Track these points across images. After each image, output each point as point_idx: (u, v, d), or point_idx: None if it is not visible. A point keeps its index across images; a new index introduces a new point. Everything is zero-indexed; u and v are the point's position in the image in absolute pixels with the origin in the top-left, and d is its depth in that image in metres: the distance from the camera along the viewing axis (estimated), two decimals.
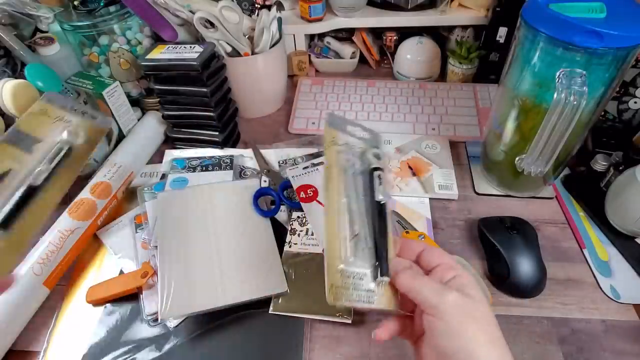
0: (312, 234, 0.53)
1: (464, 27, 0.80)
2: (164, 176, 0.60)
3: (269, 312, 0.46)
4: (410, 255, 0.35)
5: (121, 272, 0.52)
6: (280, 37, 0.71)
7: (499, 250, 0.49)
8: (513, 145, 0.53)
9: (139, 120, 0.69)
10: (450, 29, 0.82)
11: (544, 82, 0.45)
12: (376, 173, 0.38)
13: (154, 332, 0.46)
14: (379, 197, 0.37)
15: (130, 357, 0.44)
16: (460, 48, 0.77)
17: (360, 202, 0.37)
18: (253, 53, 0.68)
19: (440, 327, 0.29)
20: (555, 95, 0.42)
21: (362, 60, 0.87)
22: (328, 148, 0.39)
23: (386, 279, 0.34)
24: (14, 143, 0.47)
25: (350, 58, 0.84)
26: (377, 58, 0.88)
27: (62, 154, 0.48)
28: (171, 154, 0.64)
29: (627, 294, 0.48)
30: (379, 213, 0.36)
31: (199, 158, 0.62)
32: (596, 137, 0.63)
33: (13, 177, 0.46)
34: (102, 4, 0.64)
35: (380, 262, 0.34)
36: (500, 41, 0.75)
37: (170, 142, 0.69)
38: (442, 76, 0.84)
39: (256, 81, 0.71)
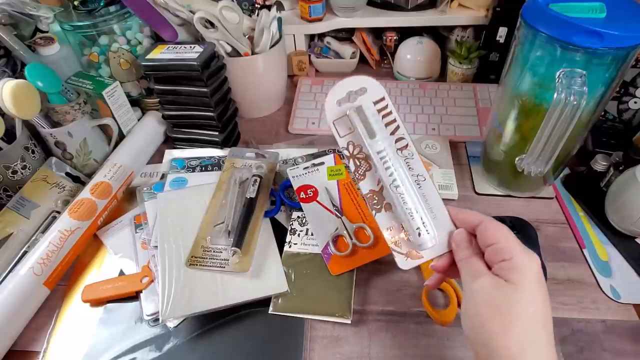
0: (312, 234, 0.53)
1: (464, 27, 0.80)
2: (163, 176, 0.60)
3: (269, 312, 0.46)
4: (468, 228, 0.34)
5: (121, 272, 0.51)
6: (280, 37, 0.71)
7: None
8: (513, 145, 0.53)
9: (139, 120, 0.69)
10: (450, 29, 0.82)
11: (544, 82, 0.45)
12: (252, 178, 0.55)
13: (154, 332, 0.46)
14: (248, 194, 0.53)
15: (130, 357, 0.44)
16: (460, 48, 0.77)
17: (237, 201, 0.53)
18: (253, 53, 0.68)
19: (470, 310, 0.30)
20: (555, 95, 0.42)
21: (362, 60, 0.87)
22: (225, 171, 0.58)
23: (236, 249, 0.48)
24: (17, 209, 0.53)
25: (350, 58, 0.84)
26: (377, 58, 0.88)
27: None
28: (171, 154, 0.64)
29: (627, 294, 0.48)
30: (248, 205, 0.52)
31: (198, 158, 0.62)
32: (596, 137, 0.62)
33: (12, 242, 0.52)
34: (102, 4, 0.64)
35: (235, 238, 0.49)
36: (500, 41, 0.75)
37: (170, 142, 0.69)
38: (442, 76, 0.84)
39: (256, 81, 0.71)
